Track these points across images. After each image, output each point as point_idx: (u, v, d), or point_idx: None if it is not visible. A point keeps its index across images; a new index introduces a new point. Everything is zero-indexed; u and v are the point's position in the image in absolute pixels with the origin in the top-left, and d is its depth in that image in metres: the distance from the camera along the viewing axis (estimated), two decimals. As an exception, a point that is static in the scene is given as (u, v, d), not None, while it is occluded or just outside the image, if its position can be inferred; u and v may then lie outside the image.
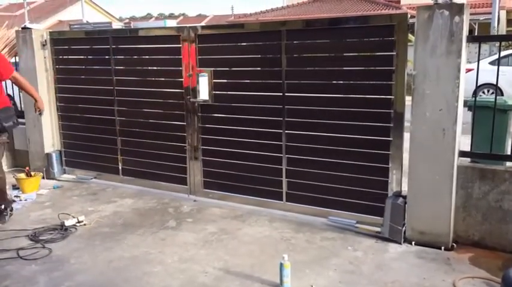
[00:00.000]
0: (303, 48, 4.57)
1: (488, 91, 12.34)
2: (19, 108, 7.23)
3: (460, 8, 3.64)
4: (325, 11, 25.94)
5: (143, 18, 64.47)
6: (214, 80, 5.05)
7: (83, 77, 6.06)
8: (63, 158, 6.37)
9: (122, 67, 5.75)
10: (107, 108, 5.90)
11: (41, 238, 4.29)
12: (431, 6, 3.74)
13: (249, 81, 4.96)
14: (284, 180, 4.81)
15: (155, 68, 5.55)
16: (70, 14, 41.28)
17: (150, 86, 5.55)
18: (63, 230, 4.44)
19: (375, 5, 25.33)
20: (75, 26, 8.80)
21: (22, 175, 5.76)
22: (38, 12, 40.95)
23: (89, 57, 6.02)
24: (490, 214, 3.88)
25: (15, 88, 7.00)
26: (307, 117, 4.60)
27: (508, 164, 4.01)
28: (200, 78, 5.12)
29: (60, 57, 6.20)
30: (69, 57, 6.20)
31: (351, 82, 4.37)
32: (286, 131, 4.71)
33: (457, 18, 3.64)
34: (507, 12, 21.56)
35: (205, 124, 5.24)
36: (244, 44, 4.93)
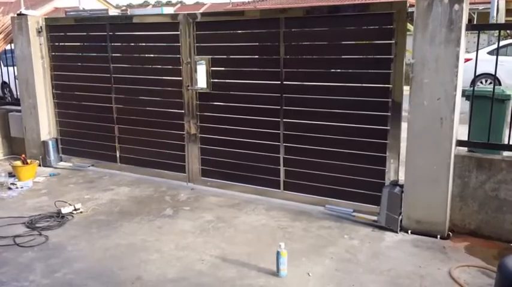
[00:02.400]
0: (301, 36, 4.55)
1: (486, 81, 12.32)
2: (15, 96, 7.19)
3: (460, -4, 3.61)
4: None
5: (140, 6, 64.01)
6: (212, 68, 5.02)
7: (79, 64, 6.04)
8: (60, 146, 6.35)
9: (119, 54, 5.72)
10: (104, 96, 5.88)
11: (37, 225, 4.28)
12: (430, -6, 3.70)
13: (247, 69, 4.94)
14: (282, 169, 4.81)
15: (153, 55, 5.51)
16: (66, 1, 40.91)
17: (148, 74, 5.53)
18: (59, 217, 4.43)
19: (373, -6, 25.17)
20: (71, 13, 8.72)
21: (18, 163, 5.74)
22: (33, 0, 40.56)
23: (85, 44, 5.99)
24: (486, 203, 3.89)
25: (11, 75, 6.98)
26: (305, 106, 4.59)
27: (505, 153, 4.02)
28: (198, 67, 5.08)
29: (57, 44, 6.15)
30: (66, 44, 6.16)
31: (349, 71, 4.36)
32: (284, 120, 4.70)
33: (456, 7, 3.62)
34: (506, 2, 21.43)
35: (203, 112, 5.22)
36: (243, 31, 4.92)
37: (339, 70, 4.44)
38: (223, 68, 5.05)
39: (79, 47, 6.04)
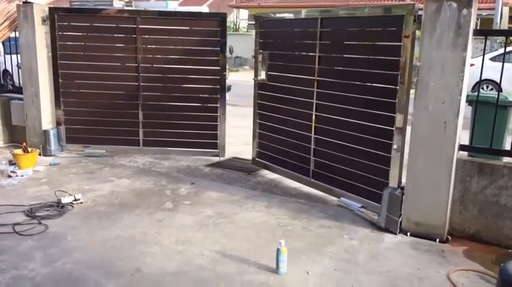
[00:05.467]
0: (334, 35, 4.88)
1: (487, 87, 12.34)
2: (17, 84, 7.17)
3: (468, 1, 3.62)
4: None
5: (143, -2, 63.76)
6: (269, 62, 5.57)
7: (98, 54, 6.23)
8: (64, 135, 6.37)
9: (147, 46, 6.24)
10: (129, 84, 6.30)
11: (37, 214, 4.28)
12: (439, -3, 3.71)
13: (294, 64, 5.31)
14: (312, 159, 5.09)
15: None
16: (69, -9, 40.78)
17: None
18: (59, 207, 4.43)
19: (377, -5, 25.15)
20: (76, 3, 8.70)
21: (19, 151, 5.73)
22: (36, -12, 40.40)
23: (107, 35, 6.25)
24: (486, 208, 3.91)
25: (13, 63, 6.97)
26: (329, 101, 4.86)
27: (505, 159, 4.03)
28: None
29: (66, 33, 6.20)
30: (79, 34, 6.29)
31: (366, 70, 4.48)
32: (315, 113, 5.01)
33: (465, 11, 3.62)
34: (510, 8, 21.47)
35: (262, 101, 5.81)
36: (290, 30, 5.44)
37: (358, 69, 4.55)
38: (276, 62, 5.53)
39: (96, 37, 6.22)
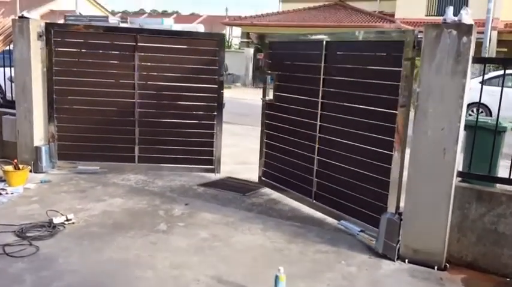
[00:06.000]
0: (336, 58, 4.94)
1: (477, 110, 12.44)
2: (10, 99, 7.07)
3: (468, 29, 3.65)
4: (320, 20, 26.05)
5: (136, 13, 64.08)
6: (277, 83, 5.68)
7: (92, 70, 6.22)
8: (56, 151, 6.27)
9: (149, 63, 6.33)
10: (126, 101, 6.31)
11: (28, 234, 4.16)
12: (439, 25, 3.74)
13: (298, 85, 5.39)
14: (315, 180, 5.12)
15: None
16: (61, 4, 40.78)
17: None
18: (51, 227, 4.32)
19: (369, 17, 25.51)
20: (71, 17, 8.66)
21: (9, 167, 5.61)
22: (29, 1, 40.35)
23: (104, 52, 6.28)
24: (484, 236, 3.89)
25: (7, 77, 6.87)
26: (332, 123, 4.92)
27: (498, 185, 4.04)
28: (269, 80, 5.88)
29: (62, 49, 6.17)
30: (78, 50, 6.28)
31: (366, 94, 4.51)
32: (318, 135, 5.04)
33: (464, 39, 3.65)
34: (498, 33, 21.91)
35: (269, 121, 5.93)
36: (296, 52, 5.52)
37: (359, 93, 4.58)
38: (283, 83, 5.62)
39: (93, 54, 6.22)
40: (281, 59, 5.74)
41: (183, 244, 4.16)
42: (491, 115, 11.69)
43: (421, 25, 25.23)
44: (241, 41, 31.33)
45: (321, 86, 4.95)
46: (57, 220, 4.42)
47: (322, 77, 4.93)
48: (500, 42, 22.02)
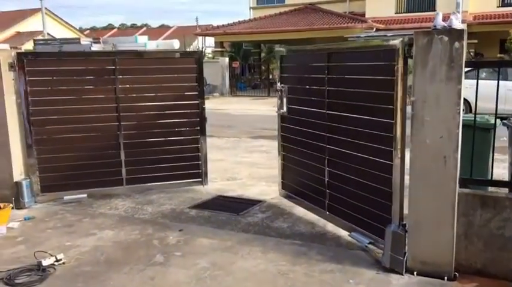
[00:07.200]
0: (338, 69, 4.90)
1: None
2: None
3: (459, 34, 3.59)
4: (292, 24, 26.13)
5: (104, 29, 63.42)
6: (289, 95, 5.68)
7: (71, 97, 6.06)
8: (39, 184, 6.01)
9: (127, 85, 6.27)
10: (109, 125, 6.24)
11: (16, 281, 3.91)
12: (430, 31, 3.66)
13: (305, 97, 5.41)
14: (327, 191, 5.07)
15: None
16: (28, 26, 39.98)
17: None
18: (40, 271, 4.06)
19: (340, 18, 25.70)
20: (40, 42, 8.37)
21: (-10, 207, 5.32)
22: (-6, 23, 39.43)
23: (87, 77, 6.14)
24: (491, 241, 3.81)
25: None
26: (337, 134, 4.86)
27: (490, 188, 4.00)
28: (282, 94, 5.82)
29: (37, 78, 5.92)
30: (60, 78, 6.08)
31: (368, 104, 4.42)
32: (328, 146, 5.00)
33: (457, 44, 3.58)
34: (468, 25, 22.28)
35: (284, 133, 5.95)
36: (304, 64, 5.59)
37: (360, 103, 4.51)
38: (294, 96, 5.64)
39: (71, 80, 6.05)
40: (291, 71, 5.79)
41: (182, 277, 3.97)
42: (470, 109, 11.76)
43: (392, 23, 25.54)
44: (215, 50, 31.22)
45: (326, 97, 4.95)
46: (46, 262, 4.16)
47: (326, 88, 4.92)
48: (470, 35, 22.33)
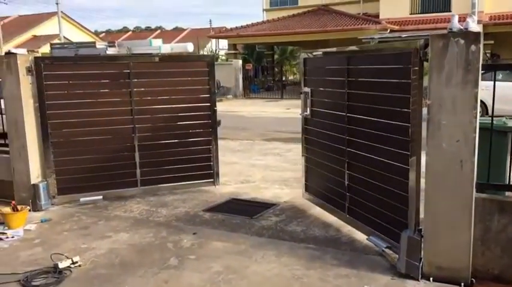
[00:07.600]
0: (357, 72, 4.88)
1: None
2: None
3: (476, 37, 3.54)
4: (305, 26, 26.09)
5: (119, 32, 64.05)
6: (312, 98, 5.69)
7: (87, 100, 6.17)
8: (56, 186, 6.08)
9: (143, 89, 6.42)
10: (124, 127, 6.35)
11: (33, 283, 3.96)
12: (446, 34, 3.63)
13: (328, 100, 5.45)
14: (347, 194, 5.04)
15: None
16: (44, 29, 40.56)
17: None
18: (57, 273, 4.11)
19: (354, 20, 25.57)
20: (57, 46, 8.48)
21: (8, 209, 5.39)
22: (12, 27, 40.09)
23: (102, 81, 6.29)
24: (509, 247, 3.76)
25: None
26: (357, 137, 4.84)
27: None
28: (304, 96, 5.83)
29: (54, 82, 6.02)
30: (77, 81, 6.17)
31: (384, 107, 4.41)
32: (347, 149, 4.99)
33: (473, 47, 3.53)
34: (484, 26, 22.02)
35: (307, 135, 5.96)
36: (326, 67, 5.61)
37: (378, 107, 4.50)
38: (317, 99, 5.66)
39: (86, 84, 6.16)
40: (314, 74, 5.83)
41: (196, 280, 3.98)
42: (487, 111, 11.60)
43: (406, 24, 25.32)
44: (228, 53, 31.30)
45: (346, 100, 4.94)
46: (62, 264, 4.21)
47: (346, 91, 4.92)
48: (486, 35, 22.09)
